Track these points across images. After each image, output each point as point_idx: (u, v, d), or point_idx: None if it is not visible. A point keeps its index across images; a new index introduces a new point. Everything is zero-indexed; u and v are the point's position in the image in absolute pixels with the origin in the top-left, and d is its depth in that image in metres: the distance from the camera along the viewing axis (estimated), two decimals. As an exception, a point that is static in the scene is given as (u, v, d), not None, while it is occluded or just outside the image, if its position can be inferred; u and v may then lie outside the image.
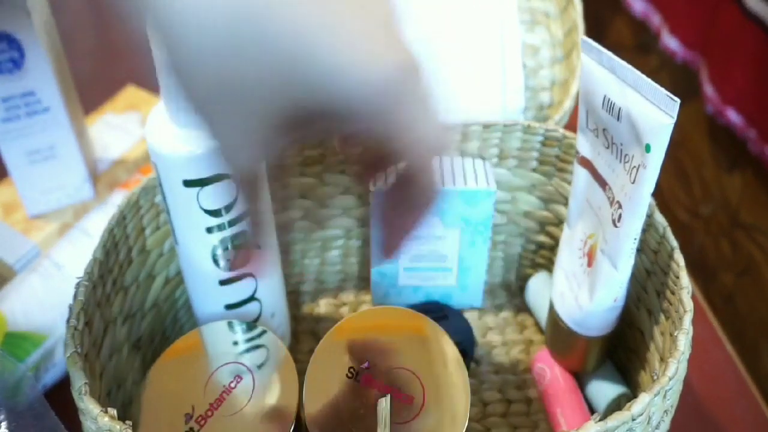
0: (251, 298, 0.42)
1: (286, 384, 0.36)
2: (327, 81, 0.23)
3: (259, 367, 0.37)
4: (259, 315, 0.43)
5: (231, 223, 0.38)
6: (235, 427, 0.34)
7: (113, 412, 0.30)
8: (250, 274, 0.41)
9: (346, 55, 0.22)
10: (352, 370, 0.36)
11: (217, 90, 0.23)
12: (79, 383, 0.31)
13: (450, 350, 0.37)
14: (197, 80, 0.23)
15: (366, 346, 0.37)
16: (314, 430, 0.34)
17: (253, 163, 0.26)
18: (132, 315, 0.42)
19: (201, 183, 0.36)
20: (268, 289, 0.43)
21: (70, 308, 0.35)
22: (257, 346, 0.38)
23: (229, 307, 0.42)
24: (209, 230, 0.38)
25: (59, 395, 0.43)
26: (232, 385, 0.36)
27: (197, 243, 0.39)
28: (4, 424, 0.38)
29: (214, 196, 0.37)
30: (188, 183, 0.36)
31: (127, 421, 0.30)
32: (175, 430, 0.34)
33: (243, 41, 0.22)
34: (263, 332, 0.39)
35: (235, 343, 0.38)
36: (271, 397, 0.35)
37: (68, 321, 0.34)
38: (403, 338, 0.38)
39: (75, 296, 0.35)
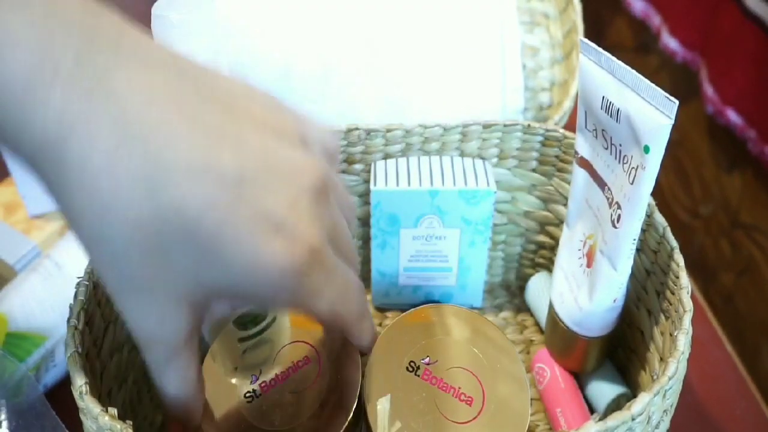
0: None
1: (349, 372, 0.36)
2: (233, 280, 0.26)
3: (327, 351, 0.37)
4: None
5: None
6: (294, 403, 0.35)
7: (114, 411, 0.30)
8: None
9: (246, 258, 0.25)
10: (412, 363, 0.37)
11: (132, 284, 0.26)
12: (80, 383, 0.31)
13: (511, 355, 0.37)
14: (116, 278, 0.26)
15: (427, 342, 0.38)
16: (374, 420, 0.34)
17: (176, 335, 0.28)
18: (132, 315, 0.42)
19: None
20: None
21: (71, 308, 0.35)
22: (329, 331, 0.38)
23: None
24: None
25: (60, 395, 0.44)
26: (300, 363, 0.37)
27: None
28: (5, 423, 0.38)
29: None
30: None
31: (128, 421, 0.30)
32: (241, 386, 0.36)
33: (161, 251, 0.25)
34: None
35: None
36: (333, 384, 0.36)
37: (69, 321, 0.34)
38: (463, 338, 0.38)
39: (75, 296, 0.35)
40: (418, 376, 0.36)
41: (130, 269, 0.25)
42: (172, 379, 0.29)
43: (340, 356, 0.37)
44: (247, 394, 0.36)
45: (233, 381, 0.36)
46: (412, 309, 0.39)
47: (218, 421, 0.35)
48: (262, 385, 0.36)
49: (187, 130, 0.24)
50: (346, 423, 0.34)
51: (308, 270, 0.26)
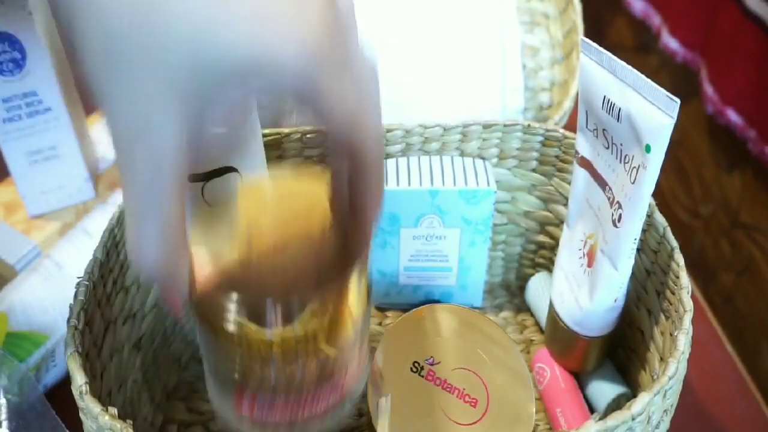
0: None
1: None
2: (235, 63, 0.23)
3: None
4: None
5: None
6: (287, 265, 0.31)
7: (114, 411, 0.30)
8: None
9: (253, 37, 0.23)
10: (416, 364, 0.36)
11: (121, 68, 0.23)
12: (80, 382, 0.31)
13: (514, 355, 0.37)
14: (104, 64, 0.23)
15: (431, 342, 0.38)
16: (375, 419, 0.34)
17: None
18: (132, 315, 0.42)
19: (205, 177, 0.36)
20: None
21: (71, 308, 0.35)
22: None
23: None
24: None
25: (60, 395, 0.43)
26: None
27: None
28: (5, 423, 0.38)
29: (218, 189, 0.37)
30: (192, 177, 0.36)
31: (128, 420, 0.30)
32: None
33: (148, 28, 0.22)
34: None
35: None
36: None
37: (69, 321, 0.34)
38: (466, 339, 0.38)
39: (75, 296, 0.35)
40: (422, 376, 0.36)
41: (121, 42, 0.22)
42: (154, 216, 0.24)
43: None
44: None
45: (222, 244, 0.32)
46: (416, 308, 0.39)
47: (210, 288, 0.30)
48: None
49: None
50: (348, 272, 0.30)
51: (323, 56, 0.24)
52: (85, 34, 0.23)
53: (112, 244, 0.40)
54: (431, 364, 0.37)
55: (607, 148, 0.38)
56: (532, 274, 0.53)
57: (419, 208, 0.47)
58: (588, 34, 0.53)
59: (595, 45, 0.37)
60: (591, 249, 0.40)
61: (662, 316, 0.39)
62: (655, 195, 0.36)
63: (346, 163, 0.28)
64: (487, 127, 0.47)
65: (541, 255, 0.53)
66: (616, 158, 0.37)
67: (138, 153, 0.24)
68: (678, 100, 0.32)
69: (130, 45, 0.22)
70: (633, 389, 0.43)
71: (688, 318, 0.35)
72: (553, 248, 0.51)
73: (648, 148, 0.34)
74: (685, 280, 0.36)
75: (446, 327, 0.39)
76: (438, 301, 0.51)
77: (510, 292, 0.54)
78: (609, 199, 0.38)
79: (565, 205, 0.48)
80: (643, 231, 0.41)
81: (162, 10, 0.22)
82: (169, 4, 0.22)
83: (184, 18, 0.22)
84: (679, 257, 0.38)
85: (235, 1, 0.22)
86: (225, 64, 0.23)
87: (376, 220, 0.29)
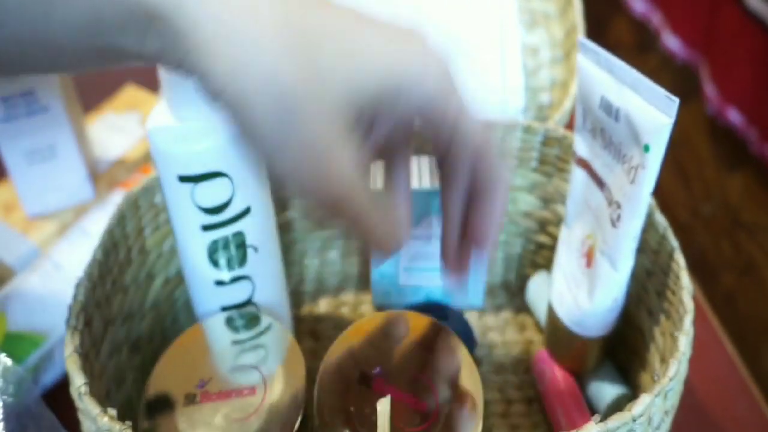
0: (247, 303, 0.42)
1: (294, 380, 0.36)
2: (378, 83, 0.28)
3: (267, 364, 0.37)
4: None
5: (227, 222, 0.38)
6: (222, 428, 0.34)
7: (113, 412, 0.30)
8: (247, 278, 0.41)
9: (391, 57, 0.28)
10: (364, 374, 0.36)
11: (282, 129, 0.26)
12: (79, 383, 0.31)
13: (461, 354, 0.37)
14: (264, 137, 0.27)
15: (376, 351, 0.37)
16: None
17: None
18: (131, 315, 0.42)
19: (194, 179, 0.36)
20: (267, 293, 0.42)
21: (70, 308, 0.35)
22: (264, 344, 0.38)
23: (225, 309, 0.41)
24: (205, 228, 0.38)
25: (59, 396, 0.43)
26: (244, 391, 0.36)
27: (193, 241, 0.38)
28: (2, 425, 0.38)
29: (208, 193, 0.37)
30: (183, 179, 0.36)
31: (127, 422, 0.30)
32: (185, 388, 0.36)
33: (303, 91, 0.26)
34: (269, 326, 0.39)
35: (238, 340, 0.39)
36: (279, 394, 0.35)
37: (67, 321, 0.34)
38: (413, 343, 0.38)
39: (74, 296, 0.35)
40: (371, 387, 0.36)
41: (283, 84, 0.26)
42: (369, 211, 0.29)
43: (283, 365, 0.37)
44: (188, 396, 0.35)
45: (191, 374, 0.36)
46: (359, 320, 0.39)
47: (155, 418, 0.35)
48: (203, 394, 0.35)
49: None
50: None
51: (449, 70, 0.30)
52: (260, 114, 0.26)
53: (111, 245, 0.39)
54: (378, 374, 0.36)
55: (605, 147, 0.38)
56: (532, 274, 0.52)
57: (419, 208, 0.46)
58: (588, 34, 0.53)
59: (593, 45, 0.37)
60: (590, 249, 0.40)
61: (663, 317, 0.39)
62: (655, 195, 0.36)
63: (467, 181, 0.33)
64: (486, 126, 0.46)
65: (541, 255, 0.52)
66: (615, 158, 0.37)
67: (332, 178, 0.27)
68: (677, 100, 0.32)
69: (299, 96, 0.26)
70: (633, 390, 0.43)
71: (688, 319, 0.34)
72: (553, 248, 0.51)
73: (647, 148, 0.34)
74: (685, 280, 0.36)
75: (397, 335, 0.38)
76: (438, 302, 0.51)
77: (510, 292, 0.54)
78: (607, 199, 0.38)
79: (565, 204, 0.48)
80: (643, 231, 0.41)
81: (320, 64, 0.26)
82: (326, 60, 0.27)
83: (340, 66, 0.27)
84: (679, 257, 0.38)
85: (378, 40, 0.29)
86: (376, 91, 0.28)
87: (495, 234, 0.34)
